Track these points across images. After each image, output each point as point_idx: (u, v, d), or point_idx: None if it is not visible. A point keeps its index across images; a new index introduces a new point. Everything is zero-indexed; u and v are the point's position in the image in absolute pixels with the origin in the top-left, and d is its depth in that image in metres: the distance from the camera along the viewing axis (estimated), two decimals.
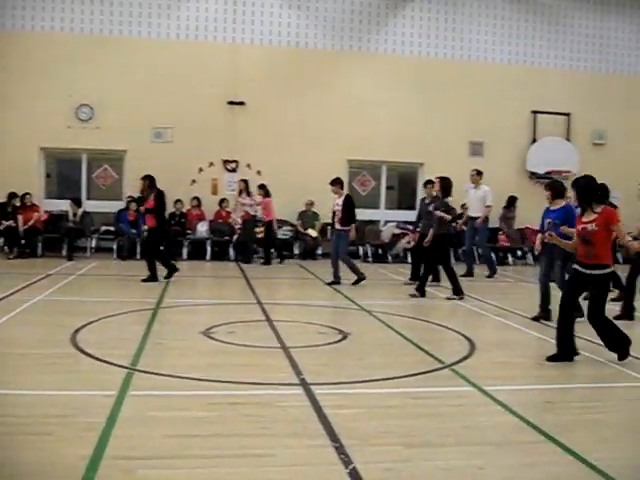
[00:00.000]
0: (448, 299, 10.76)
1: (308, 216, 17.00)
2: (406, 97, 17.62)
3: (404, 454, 4.15)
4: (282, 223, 16.93)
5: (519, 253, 17.56)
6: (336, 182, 12.27)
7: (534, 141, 18.42)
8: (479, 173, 14.16)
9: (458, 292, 10.81)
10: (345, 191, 12.89)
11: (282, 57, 17.19)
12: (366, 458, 4.05)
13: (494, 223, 16.52)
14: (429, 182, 12.70)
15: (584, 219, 6.61)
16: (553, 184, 9.11)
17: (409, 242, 16.39)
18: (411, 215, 17.90)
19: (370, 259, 16.43)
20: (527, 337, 8.10)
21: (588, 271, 6.52)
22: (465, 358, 6.66)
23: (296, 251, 16.95)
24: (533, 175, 18.26)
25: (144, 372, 5.79)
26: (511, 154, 18.16)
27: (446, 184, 11.30)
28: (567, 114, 18.64)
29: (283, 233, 16.85)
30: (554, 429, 4.64)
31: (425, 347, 7.05)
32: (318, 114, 17.19)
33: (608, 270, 6.55)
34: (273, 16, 17.26)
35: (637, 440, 4.63)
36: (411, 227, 16.69)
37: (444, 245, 11.18)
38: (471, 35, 18.20)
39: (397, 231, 16.85)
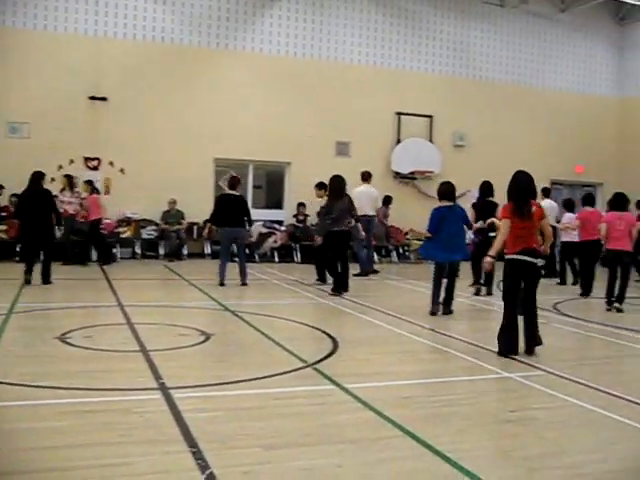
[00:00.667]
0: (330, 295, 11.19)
1: (172, 215, 16.63)
2: (274, 96, 17.64)
3: (263, 456, 4.09)
4: (146, 223, 16.53)
5: (383, 251, 17.95)
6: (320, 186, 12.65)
7: (398, 142, 18.91)
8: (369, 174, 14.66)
9: (338, 288, 11.27)
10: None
11: (148, 52, 16.78)
12: (224, 462, 3.96)
13: None
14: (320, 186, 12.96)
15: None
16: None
17: (276, 241, 16.44)
18: (279, 214, 18.01)
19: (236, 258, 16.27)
20: (390, 334, 8.26)
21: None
22: (328, 356, 6.69)
23: (161, 251, 16.57)
24: (397, 175, 18.75)
25: None
26: (376, 154, 18.55)
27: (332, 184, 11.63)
28: (430, 116, 19.27)
29: (147, 233, 16.43)
30: (411, 423, 4.72)
31: (288, 346, 7.02)
32: (185, 111, 16.90)
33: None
34: (138, 10, 16.80)
35: (490, 431, 4.79)
36: (278, 226, 16.79)
37: (335, 242, 11.40)
38: (337, 36, 18.45)
39: (264, 230, 16.82)
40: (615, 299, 10.46)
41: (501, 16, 20.31)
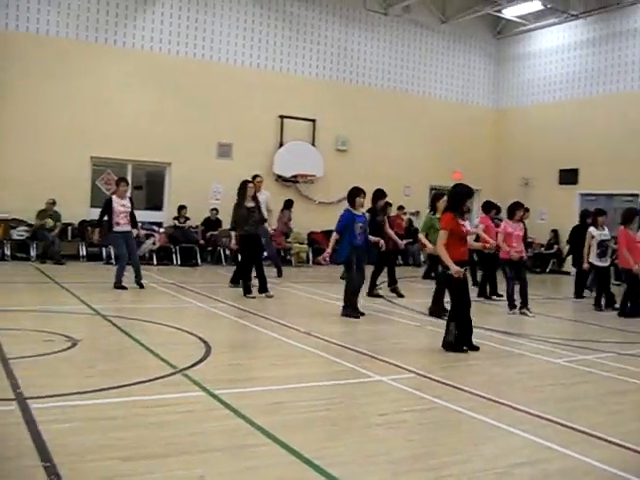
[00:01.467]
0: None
1: (48, 215, 15.85)
2: (154, 95, 17.23)
3: (121, 468, 3.88)
4: (18, 223, 15.74)
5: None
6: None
7: (281, 145, 18.89)
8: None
9: (245, 291, 11.40)
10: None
11: (22, 44, 15.92)
12: (79, 476, 3.74)
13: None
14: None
15: (462, 222, 7.61)
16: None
17: (154, 243, 16.04)
18: (159, 216, 17.59)
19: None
20: (265, 338, 8.17)
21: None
22: (199, 362, 6.51)
23: (33, 252, 15.79)
24: (280, 178, 18.72)
25: None
26: (259, 157, 18.46)
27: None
28: (313, 120, 19.36)
29: (18, 234, 15.64)
30: (280, 430, 4.64)
31: (159, 352, 6.80)
32: (62, 108, 16.21)
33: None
34: (20, 1, 15.91)
35: (358, 435, 4.76)
36: (157, 228, 16.39)
37: (247, 244, 11.42)
38: (221, 37, 18.23)
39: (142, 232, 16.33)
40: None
41: (384, 24, 20.69)
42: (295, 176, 18.79)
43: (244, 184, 11.61)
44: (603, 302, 12.04)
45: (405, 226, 18.49)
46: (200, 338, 7.62)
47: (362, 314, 9.90)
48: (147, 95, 17.15)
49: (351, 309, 9.86)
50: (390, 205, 13.27)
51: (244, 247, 11.50)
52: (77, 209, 16.32)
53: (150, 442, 4.35)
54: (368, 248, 10.20)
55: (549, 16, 20.46)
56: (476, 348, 7.76)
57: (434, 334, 8.86)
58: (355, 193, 9.91)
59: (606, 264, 11.99)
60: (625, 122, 18.50)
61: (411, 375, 6.52)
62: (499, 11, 20.32)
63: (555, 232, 19.75)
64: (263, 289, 11.50)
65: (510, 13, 20.47)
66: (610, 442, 4.80)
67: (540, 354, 7.95)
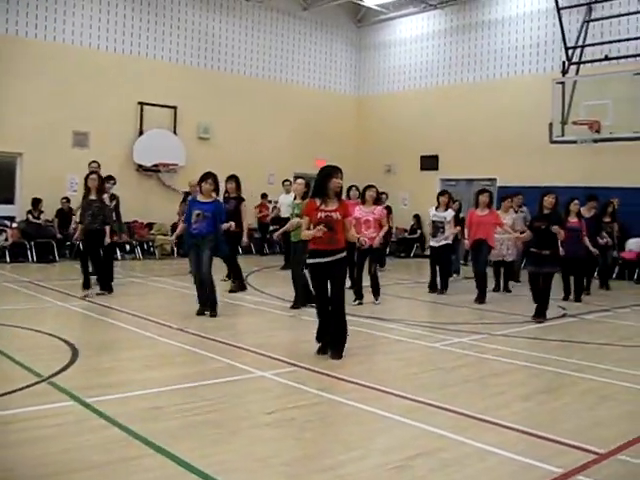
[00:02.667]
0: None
1: None
2: (2, 79, 15.98)
3: None
4: None
5: (127, 247, 17.06)
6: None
7: (141, 133, 18.15)
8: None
9: (104, 287, 10.82)
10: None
11: None
12: None
13: None
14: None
15: (326, 207, 6.75)
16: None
17: (6, 239, 14.99)
18: (9, 210, 16.43)
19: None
20: (136, 337, 7.71)
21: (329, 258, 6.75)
22: (66, 367, 6.00)
23: None
24: (140, 167, 18.00)
25: None
26: (118, 146, 17.64)
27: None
28: (174, 107, 18.73)
29: None
30: (162, 438, 4.31)
31: (19, 359, 6.21)
32: None
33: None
34: None
35: (247, 437, 4.50)
36: (8, 222, 15.34)
37: (99, 240, 10.65)
38: (75, 19, 17.18)
39: None
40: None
41: (246, 10, 20.30)
42: (156, 165, 18.11)
43: (86, 176, 10.92)
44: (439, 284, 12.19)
45: (271, 215, 18.30)
46: (65, 340, 7.06)
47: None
48: None
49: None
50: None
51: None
52: None
53: (17, 464, 3.90)
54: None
55: (408, 5, 20.82)
56: (324, 351, 6.97)
57: (309, 324, 8.72)
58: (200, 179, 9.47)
59: (436, 244, 11.97)
60: (480, 110, 19.15)
61: (293, 368, 6.33)
62: None
63: (417, 217, 20.18)
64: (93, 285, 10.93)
65: (370, 2, 20.63)
66: (499, 425, 4.82)
67: (417, 339, 7.99)
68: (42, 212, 16.08)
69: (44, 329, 7.67)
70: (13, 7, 16.32)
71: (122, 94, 17.66)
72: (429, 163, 20.63)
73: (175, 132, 18.70)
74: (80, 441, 4.27)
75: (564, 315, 10.17)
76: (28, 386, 5.39)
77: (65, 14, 17.09)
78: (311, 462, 4.08)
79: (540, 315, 9.41)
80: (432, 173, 20.45)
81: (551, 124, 16.38)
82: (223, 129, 19.49)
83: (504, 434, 4.66)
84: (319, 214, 6.74)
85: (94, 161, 12.64)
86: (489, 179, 18.68)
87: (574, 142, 16.06)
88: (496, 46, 19.36)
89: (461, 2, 19.96)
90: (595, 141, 15.81)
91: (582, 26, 17.10)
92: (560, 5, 16.75)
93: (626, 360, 7.21)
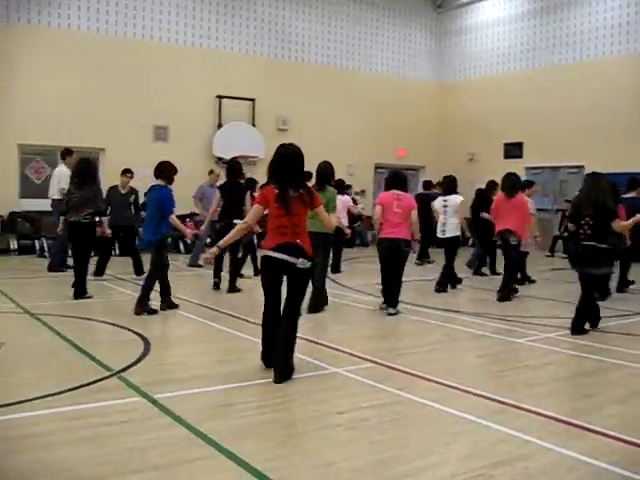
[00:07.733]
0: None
1: None
2: (84, 77, 16.28)
3: None
4: None
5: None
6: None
7: (220, 126, 18.18)
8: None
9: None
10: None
11: None
12: None
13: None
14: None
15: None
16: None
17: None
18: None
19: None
20: (210, 330, 7.57)
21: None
22: (137, 361, 5.90)
23: None
24: (220, 160, 18.02)
25: None
26: (197, 139, 17.75)
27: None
28: (252, 99, 18.68)
29: None
30: (228, 439, 4.11)
31: (93, 352, 6.15)
32: None
33: None
34: None
35: (315, 439, 4.25)
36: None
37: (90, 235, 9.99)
38: (153, 14, 17.35)
39: None
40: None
41: None
42: (236, 157, 18.06)
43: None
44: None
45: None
46: (138, 334, 6.99)
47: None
48: (76, 77, 16.15)
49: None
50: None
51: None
52: (5, 200, 15.38)
53: (75, 463, 3.76)
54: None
55: None
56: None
57: (383, 318, 8.44)
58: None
59: (442, 236, 10.91)
60: (567, 93, 18.32)
61: (369, 365, 6.05)
62: None
63: None
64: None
65: None
66: (591, 430, 4.41)
67: (501, 334, 7.57)
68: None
69: (120, 322, 7.63)
70: (93, 5, 16.58)
71: (200, 88, 17.73)
72: (513, 150, 19.91)
73: (254, 124, 18.65)
74: (142, 440, 4.11)
75: None
76: (97, 381, 5.30)
77: (144, 10, 17.25)
78: (384, 468, 3.79)
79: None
80: (516, 161, 19.71)
81: None
82: (301, 120, 19.29)
83: (597, 441, 4.24)
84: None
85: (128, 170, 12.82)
86: (576, 166, 17.87)
87: None
88: (583, 27, 18.47)
89: None
90: None
91: None
92: None
93: None
